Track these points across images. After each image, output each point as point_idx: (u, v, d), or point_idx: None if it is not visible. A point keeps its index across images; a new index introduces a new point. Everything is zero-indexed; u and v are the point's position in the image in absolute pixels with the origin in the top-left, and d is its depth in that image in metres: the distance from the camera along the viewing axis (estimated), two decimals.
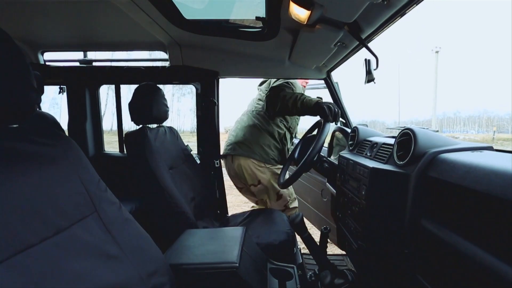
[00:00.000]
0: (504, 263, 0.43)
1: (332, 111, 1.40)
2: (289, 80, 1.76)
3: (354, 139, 1.22)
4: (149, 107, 1.32)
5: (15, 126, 0.57)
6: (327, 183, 1.59)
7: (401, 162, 0.74)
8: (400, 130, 0.81)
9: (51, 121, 1.61)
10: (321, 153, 1.40)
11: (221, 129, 1.90)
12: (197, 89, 1.86)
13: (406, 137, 0.76)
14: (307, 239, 1.01)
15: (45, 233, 0.49)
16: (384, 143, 0.93)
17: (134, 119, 1.32)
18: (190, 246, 0.95)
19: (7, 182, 0.46)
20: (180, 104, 29.38)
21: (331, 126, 1.71)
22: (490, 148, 0.70)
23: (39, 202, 0.50)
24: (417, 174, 0.68)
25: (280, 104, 1.59)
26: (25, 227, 0.46)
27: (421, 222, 0.67)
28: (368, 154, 0.99)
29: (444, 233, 0.58)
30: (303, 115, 1.62)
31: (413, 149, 0.71)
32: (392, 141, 0.88)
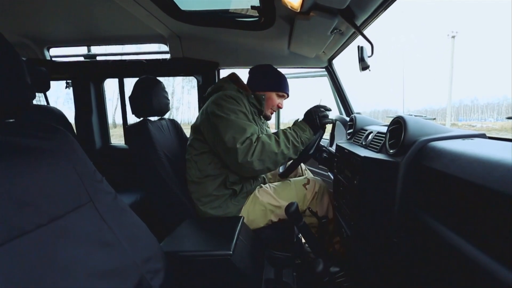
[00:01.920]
0: (485, 255, 0.43)
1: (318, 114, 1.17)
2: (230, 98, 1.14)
3: (352, 128, 1.21)
4: (149, 100, 1.34)
5: (11, 120, 0.60)
6: (328, 173, 1.59)
7: (392, 151, 0.74)
8: (392, 119, 0.80)
9: (58, 116, 1.67)
10: (321, 143, 1.39)
11: None
12: (198, 81, 1.87)
13: (397, 126, 0.75)
14: (302, 228, 1.02)
15: (39, 221, 0.51)
16: (378, 132, 0.92)
17: (134, 112, 1.35)
18: (187, 235, 0.98)
19: (0, 174, 0.49)
20: (190, 97, 29.53)
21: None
22: (482, 136, 0.68)
23: (33, 193, 0.52)
24: (407, 162, 0.67)
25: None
26: (19, 216, 0.49)
27: (410, 211, 0.66)
28: (363, 143, 0.99)
29: (431, 223, 0.58)
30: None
31: (403, 138, 0.70)
32: (386, 129, 0.87)
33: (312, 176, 1.33)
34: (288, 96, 1.42)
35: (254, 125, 1.14)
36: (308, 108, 1.22)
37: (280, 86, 1.35)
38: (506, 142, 0.61)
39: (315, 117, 1.17)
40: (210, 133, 1.13)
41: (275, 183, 1.32)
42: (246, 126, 1.08)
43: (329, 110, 1.20)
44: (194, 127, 1.24)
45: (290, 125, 1.22)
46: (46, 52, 1.91)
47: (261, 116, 1.38)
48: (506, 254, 0.39)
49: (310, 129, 1.16)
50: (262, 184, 1.35)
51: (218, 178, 1.19)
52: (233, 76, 1.33)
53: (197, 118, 1.26)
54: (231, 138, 1.05)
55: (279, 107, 1.40)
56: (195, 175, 1.21)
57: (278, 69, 1.85)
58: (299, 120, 1.22)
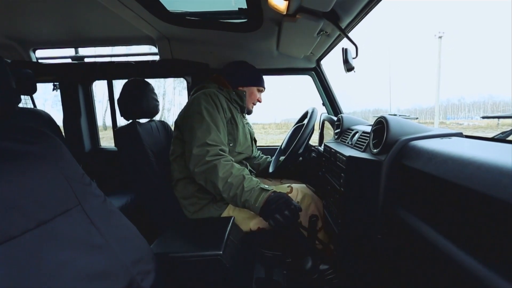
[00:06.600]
0: (461, 250, 0.44)
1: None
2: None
3: (339, 128, 1.23)
4: (138, 102, 1.34)
5: None
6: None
7: (375, 150, 0.76)
8: (376, 119, 0.83)
9: (46, 119, 1.64)
10: (310, 143, 1.41)
11: None
12: (188, 82, 1.87)
13: (380, 126, 0.78)
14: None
15: (26, 226, 0.51)
16: (363, 132, 0.94)
17: (123, 114, 1.35)
18: (178, 236, 0.98)
19: None
20: (182, 98, 29.15)
21: (320, 116, 1.72)
22: (459, 135, 0.71)
23: (19, 197, 0.52)
24: (389, 161, 0.69)
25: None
26: (5, 221, 0.49)
27: (392, 208, 0.69)
28: (349, 142, 1.01)
29: (412, 220, 0.60)
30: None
31: (386, 137, 0.72)
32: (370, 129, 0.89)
33: (298, 184, 1.26)
34: (264, 89, 1.51)
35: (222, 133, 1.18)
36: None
37: (260, 81, 1.46)
38: (480, 140, 0.64)
39: (274, 208, 0.96)
40: (186, 132, 1.17)
41: None
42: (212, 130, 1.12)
43: (300, 209, 0.99)
44: (176, 124, 1.28)
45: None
46: (32, 54, 1.88)
47: (243, 113, 1.47)
48: (480, 249, 0.42)
49: (257, 208, 1.00)
50: None
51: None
52: (215, 77, 1.41)
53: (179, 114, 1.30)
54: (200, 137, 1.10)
55: (259, 101, 1.49)
56: (177, 176, 1.24)
57: (267, 69, 1.87)
58: (263, 194, 1.02)
